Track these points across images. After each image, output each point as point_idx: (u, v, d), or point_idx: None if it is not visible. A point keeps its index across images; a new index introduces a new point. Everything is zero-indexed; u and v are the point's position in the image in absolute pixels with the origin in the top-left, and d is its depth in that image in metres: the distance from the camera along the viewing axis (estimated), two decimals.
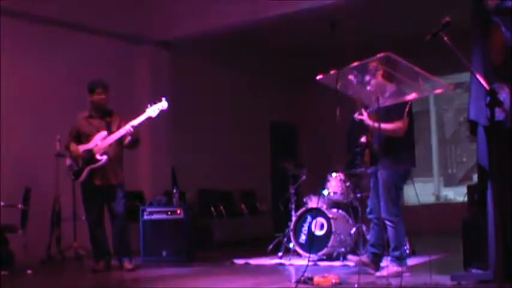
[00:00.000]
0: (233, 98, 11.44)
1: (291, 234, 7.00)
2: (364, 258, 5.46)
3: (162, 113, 6.53)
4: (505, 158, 3.93)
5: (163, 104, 6.47)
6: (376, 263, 5.40)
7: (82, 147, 6.47)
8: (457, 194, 11.06)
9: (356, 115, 5.33)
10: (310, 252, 6.67)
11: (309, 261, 5.78)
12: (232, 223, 10.38)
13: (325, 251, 6.71)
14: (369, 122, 5.26)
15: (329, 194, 7.09)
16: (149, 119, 6.48)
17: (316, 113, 12.31)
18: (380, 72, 4.91)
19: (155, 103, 6.47)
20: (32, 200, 7.16)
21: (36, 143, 8.03)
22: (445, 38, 3.75)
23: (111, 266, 6.60)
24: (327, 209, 6.99)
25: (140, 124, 6.45)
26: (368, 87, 4.91)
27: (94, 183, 6.46)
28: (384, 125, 5.09)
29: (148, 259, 7.26)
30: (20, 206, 7.02)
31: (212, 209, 9.88)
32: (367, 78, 4.88)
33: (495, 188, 3.89)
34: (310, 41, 11.65)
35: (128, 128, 6.35)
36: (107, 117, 6.57)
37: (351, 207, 7.08)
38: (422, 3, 9.30)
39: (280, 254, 7.14)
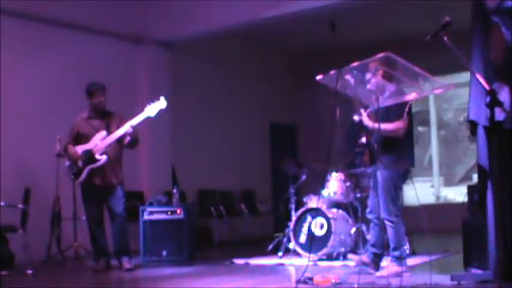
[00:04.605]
0: (233, 98, 11.44)
1: (291, 234, 7.00)
2: (365, 257, 5.46)
3: (161, 112, 6.54)
4: (505, 158, 3.93)
5: (162, 103, 6.48)
6: (376, 263, 5.40)
7: (81, 148, 6.48)
8: (457, 194, 11.06)
9: (355, 116, 5.34)
10: (310, 252, 6.67)
11: (309, 261, 5.78)
12: (232, 223, 10.38)
13: (325, 251, 6.71)
14: (368, 122, 5.26)
15: (329, 194, 7.09)
16: (148, 118, 6.49)
17: (316, 113, 12.30)
18: (380, 72, 4.91)
19: (154, 102, 6.48)
20: (32, 200, 7.16)
21: (36, 143, 8.03)
22: (445, 38, 3.75)
23: (110, 265, 6.61)
24: (327, 209, 6.99)
25: (139, 124, 6.46)
26: (368, 86, 4.91)
27: (94, 183, 6.46)
28: (383, 126, 5.09)
29: (148, 259, 7.26)
30: (20, 206, 7.02)
31: (212, 209, 9.88)
32: (368, 76, 4.89)
33: (495, 188, 3.89)
34: (310, 41, 11.65)
35: (127, 128, 6.36)
36: (107, 118, 6.58)
37: (351, 207, 7.09)
38: (422, 3, 9.30)
39: (280, 254, 7.14)
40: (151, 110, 6.46)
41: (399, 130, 5.21)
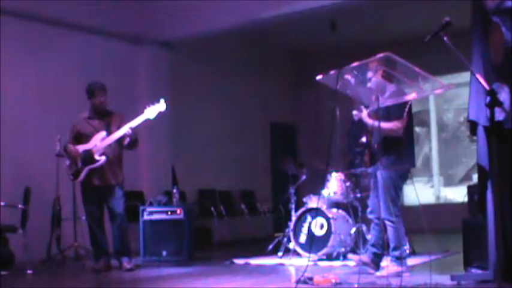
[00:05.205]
0: (233, 98, 11.44)
1: (291, 234, 7.00)
2: (365, 257, 5.46)
3: (160, 114, 6.53)
4: (505, 158, 3.92)
5: (161, 106, 6.48)
6: (376, 263, 5.40)
7: (81, 147, 6.48)
8: (457, 194, 11.07)
9: (355, 112, 5.33)
10: (310, 252, 6.67)
11: (309, 261, 5.78)
12: (232, 223, 10.38)
13: (325, 251, 6.71)
14: (368, 119, 5.26)
15: (329, 194, 7.09)
16: (147, 120, 6.49)
17: (316, 113, 12.32)
18: (380, 73, 4.91)
19: (153, 104, 6.48)
20: (32, 200, 7.16)
21: (36, 143, 8.03)
22: (445, 38, 3.75)
23: (110, 266, 6.61)
24: (327, 209, 6.99)
25: (139, 124, 6.46)
26: (369, 84, 4.91)
27: (93, 184, 6.46)
28: (382, 124, 5.09)
29: (148, 259, 7.26)
30: (20, 206, 7.02)
31: (212, 209, 9.88)
32: (370, 75, 4.88)
33: (495, 188, 3.89)
34: (310, 41, 11.65)
35: (126, 129, 6.35)
36: (107, 118, 6.58)
37: (351, 207, 7.08)
38: (422, 3, 9.30)
39: (280, 254, 7.14)
40: (151, 112, 6.46)
41: (398, 130, 5.21)
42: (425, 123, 12.19)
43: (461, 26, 4.45)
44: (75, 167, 6.47)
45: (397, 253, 5.26)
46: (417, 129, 12.02)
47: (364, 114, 5.28)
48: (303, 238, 6.96)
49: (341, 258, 6.60)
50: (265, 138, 12.36)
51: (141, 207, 7.54)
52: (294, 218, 7.07)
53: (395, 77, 4.80)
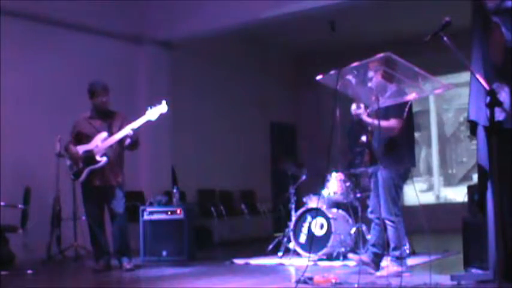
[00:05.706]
0: (233, 98, 11.45)
1: (291, 234, 7.00)
2: (365, 257, 5.46)
3: (161, 115, 6.52)
4: (505, 158, 3.92)
5: (163, 108, 6.46)
6: (376, 263, 5.40)
7: (82, 148, 6.47)
8: (457, 194, 11.06)
9: (354, 109, 5.30)
10: (310, 252, 6.67)
11: (309, 261, 5.78)
12: (232, 223, 10.38)
13: (325, 251, 6.71)
14: (367, 118, 5.25)
15: (329, 194, 7.09)
16: (148, 121, 6.48)
17: (316, 113, 12.31)
18: (380, 73, 4.91)
19: (154, 105, 6.46)
20: (32, 200, 7.16)
21: (36, 143, 8.03)
22: (445, 38, 3.75)
23: (111, 265, 6.61)
24: (327, 209, 6.99)
25: (139, 127, 6.45)
26: (369, 84, 4.90)
27: (94, 184, 6.45)
28: (381, 123, 5.08)
29: (148, 259, 7.25)
30: (20, 206, 7.02)
31: (212, 209, 9.88)
32: (371, 74, 4.88)
33: (495, 188, 3.89)
34: (310, 41, 11.65)
35: (127, 130, 6.35)
36: (108, 118, 6.57)
37: (351, 207, 7.08)
38: (422, 3, 9.31)
39: (280, 254, 7.14)
40: (152, 113, 6.45)
41: (394, 129, 5.18)
42: (421, 127, 12.15)
43: (461, 26, 4.45)
44: (76, 167, 6.47)
45: (397, 253, 5.26)
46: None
47: (362, 111, 5.27)
48: (303, 238, 6.96)
49: (341, 258, 6.59)
50: (265, 138, 12.36)
51: (141, 207, 7.53)
52: (294, 218, 7.07)
53: (396, 77, 4.79)
